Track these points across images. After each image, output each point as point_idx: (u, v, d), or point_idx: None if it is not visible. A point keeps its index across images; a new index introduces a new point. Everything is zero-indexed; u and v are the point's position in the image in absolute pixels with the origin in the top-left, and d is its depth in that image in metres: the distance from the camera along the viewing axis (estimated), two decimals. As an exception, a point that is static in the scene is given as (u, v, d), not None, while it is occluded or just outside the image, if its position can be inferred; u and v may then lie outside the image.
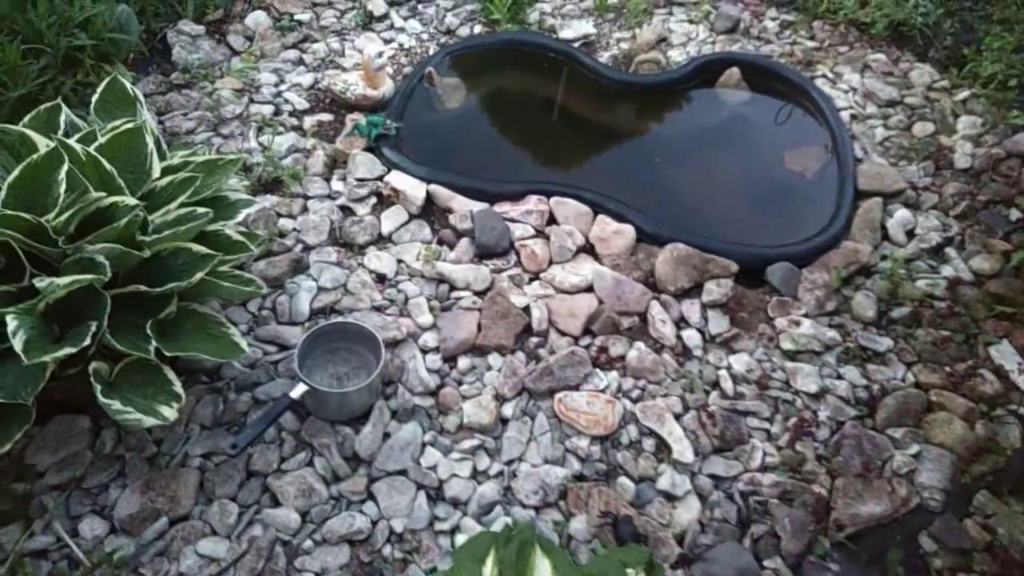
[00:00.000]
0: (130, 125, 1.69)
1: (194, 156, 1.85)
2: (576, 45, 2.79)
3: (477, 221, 2.04)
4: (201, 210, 1.63)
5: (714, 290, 1.94)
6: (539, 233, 2.08)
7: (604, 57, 2.76)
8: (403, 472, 1.57)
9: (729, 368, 1.79)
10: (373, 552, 1.47)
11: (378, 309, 1.88)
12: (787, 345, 1.83)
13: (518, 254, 2.03)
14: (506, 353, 1.80)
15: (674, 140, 2.49)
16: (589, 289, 1.94)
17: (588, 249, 2.06)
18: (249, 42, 2.71)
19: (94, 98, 1.84)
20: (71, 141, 1.59)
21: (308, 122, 2.39)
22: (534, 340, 1.83)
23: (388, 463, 1.57)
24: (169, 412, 1.41)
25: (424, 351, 1.78)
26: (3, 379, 1.34)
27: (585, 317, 1.85)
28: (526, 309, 1.88)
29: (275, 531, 1.48)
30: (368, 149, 2.28)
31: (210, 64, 2.59)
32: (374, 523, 1.50)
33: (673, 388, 1.75)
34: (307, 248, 2.02)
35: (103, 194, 1.52)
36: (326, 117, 2.42)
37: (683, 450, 1.61)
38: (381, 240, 2.07)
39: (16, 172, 1.50)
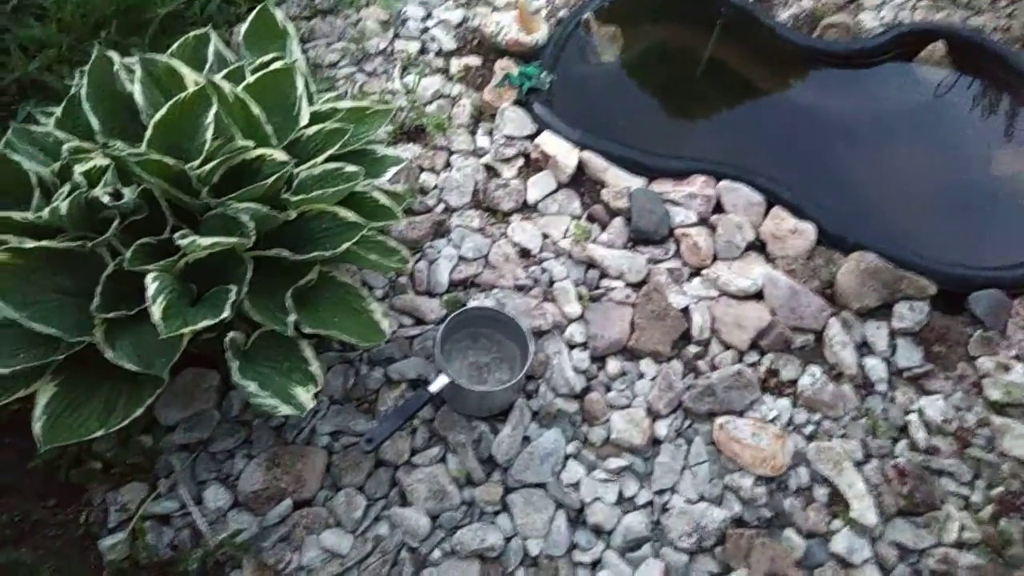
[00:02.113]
0: (280, 65, 1.48)
1: (340, 101, 1.64)
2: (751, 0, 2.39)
3: (635, 201, 1.76)
4: (351, 168, 1.42)
5: (906, 314, 1.61)
6: (702, 221, 1.78)
7: (783, 16, 2.35)
8: (542, 486, 1.38)
9: (921, 413, 1.49)
10: (505, 575, 1.30)
11: (520, 288, 1.65)
12: (994, 394, 1.51)
13: (678, 244, 1.75)
14: (661, 361, 1.55)
15: (861, 124, 2.09)
16: (758, 296, 1.65)
17: (758, 247, 1.76)
18: (397, -32, 2.44)
19: (242, 28, 1.64)
20: (219, 79, 1.40)
21: (455, 65, 2.13)
22: (693, 349, 1.58)
23: (526, 473, 1.38)
24: (305, 397, 1.25)
25: (570, 346, 1.56)
26: (138, 346, 1.20)
27: (755, 331, 1.57)
28: (685, 311, 1.61)
29: (402, 534, 1.32)
30: (517, 103, 2.01)
31: (356, -11, 2.34)
32: (507, 540, 1.33)
33: (853, 429, 1.47)
34: (449, 210, 1.81)
35: (250, 144, 1.33)
36: (474, 61, 2.15)
37: (864, 510, 1.35)
38: (526, 208, 1.83)
39: (163, 111, 1.33)
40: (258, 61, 1.54)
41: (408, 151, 1.90)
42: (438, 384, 1.36)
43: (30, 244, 1.19)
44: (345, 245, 1.33)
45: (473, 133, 1.98)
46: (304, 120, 1.47)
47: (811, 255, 1.74)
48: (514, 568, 1.30)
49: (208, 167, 1.30)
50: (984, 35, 2.25)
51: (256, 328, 1.34)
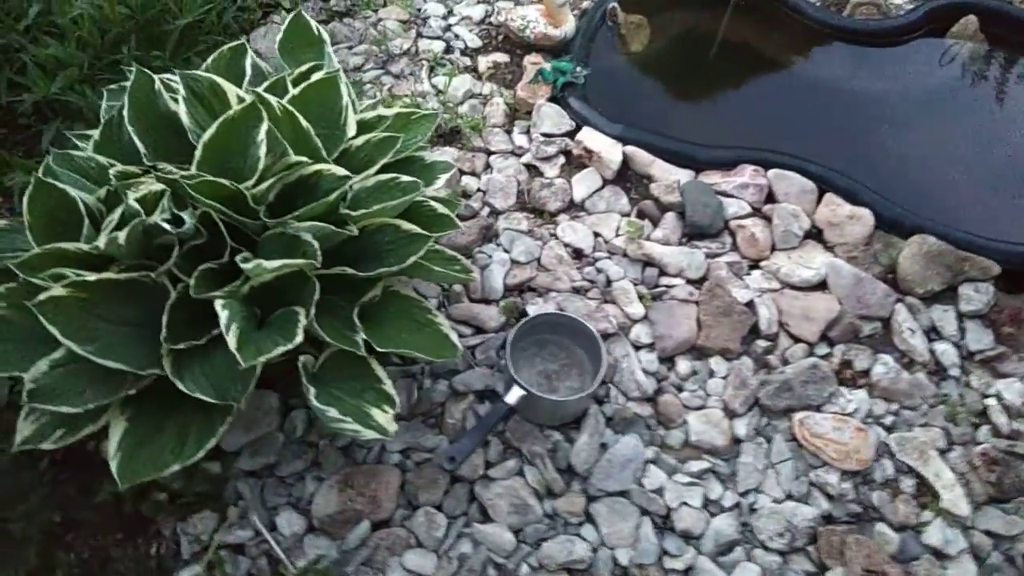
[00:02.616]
0: (324, 74, 1.43)
1: (383, 108, 1.59)
2: (777, -20, 2.35)
3: (687, 194, 1.73)
4: (406, 178, 1.38)
5: (973, 296, 1.59)
6: (756, 211, 1.75)
7: (811, -4, 2.32)
8: (624, 493, 1.35)
9: (999, 397, 1.46)
10: (592, 585, 1.28)
11: (578, 291, 1.62)
12: (1070, 373, 1.49)
13: (734, 236, 1.71)
14: (731, 358, 1.52)
15: (903, 103, 2.06)
16: (822, 285, 1.62)
17: (815, 235, 1.73)
18: (411, -36, 2.38)
19: (278, 38, 1.58)
20: (263, 92, 1.35)
21: (483, 63, 2.09)
22: (762, 344, 1.54)
23: (607, 481, 1.35)
24: (384, 419, 1.21)
25: (636, 347, 1.53)
26: (210, 375, 1.16)
27: (824, 322, 1.54)
28: (750, 305, 1.58)
29: (487, 551, 1.29)
30: (552, 99, 1.97)
31: (372, -11, 2.29)
32: (594, 551, 1.30)
33: (933, 417, 1.45)
34: (495, 212, 1.77)
35: (306, 159, 1.29)
36: (501, 58, 2.11)
37: (955, 499, 1.33)
38: (573, 207, 1.79)
39: (212, 130, 1.27)
40: (297, 71, 1.49)
41: (446, 154, 1.86)
42: (514, 396, 1.32)
43: (93, 277, 1.14)
44: (412, 258, 1.29)
45: (509, 132, 1.94)
46: (351, 130, 1.42)
47: (869, 241, 1.71)
48: (604, 580, 1.27)
49: (264, 186, 1.26)
50: (1013, 4, 2.22)
51: (322, 349, 1.30)
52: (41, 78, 1.73)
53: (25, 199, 1.25)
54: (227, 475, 1.37)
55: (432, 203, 1.43)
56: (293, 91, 1.41)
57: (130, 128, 1.32)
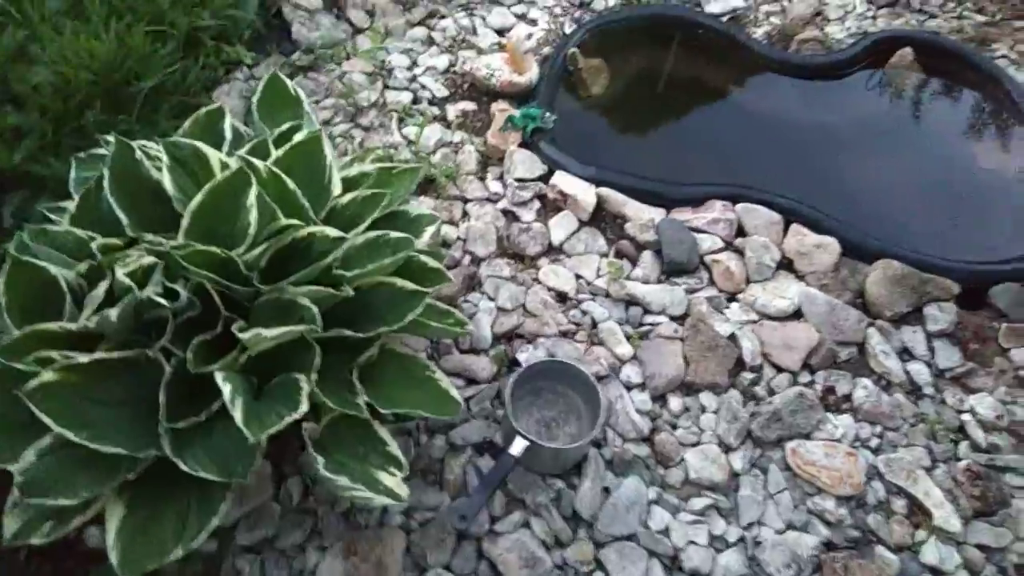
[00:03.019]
0: (306, 134, 1.43)
1: (364, 164, 1.60)
2: (724, 19, 2.46)
3: (663, 233, 1.78)
4: (395, 234, 1.38)
5: (938, 316, 1.67)
6: (728, 245, 1.81)
7: (757, 33, 2.43)
8: (632, 537, 1.35)
9: (974, 412, 1.54)
10: (611, 633, 1.27)
11: (566, 335, 1.64)
12: (1035, 384, 1.58)
13: (710, 271, 1.77)
14: (720, 392, 1.56)
15: (852, 133, 2.17)
16: (797, 314, 1.68)
17: (786, 265, 1.80)
18: (371, 18, 2.41)
19: (254, 99, 1.58)
20: (248, 156, 1.34)
21: (451, 111, 2.11)
22: (748, 376, 1.59)
23: (613, 526, 1.36)
24: (392, 482, 1.19)
25: (628, 387, 1.55)
26: (211, 452, 1.12)
27: (805, 350, 1.60)
28: (732, 338, 1.63)
29: (502, 610, 1.28)
30: (524, 144, 2.00)
31: (333, 43, 2.30)
32: (608, 598, 1.30)
33: (914, 436, 1.51)
34: (476, 260, 1.78)
35: (298, 222, 1.28)
36: (469, 106, 2.14)
37: (947, 516, 1.38)
38: (552, 250, 1.82)
39: (199, 197, 1.26)
40: (277, 132, 1.49)
41: (424, 204, 1.87)
42: (518, 447, 1.32)
43: (85, 358, 1.10)
44: (410, 316, 1.28)
45: (483, 179, 1.96)
46: (337, 189, 1.42)
47: (837, 267, 1.78)
48: (621, 628, 1.27)
49: (257, 251, 1.24)
50: (949, 39, 2.38)
51: (319, 413, 1.28)
52: (2, 149, 1.68)
53: (2, 282, 1.20)
54: (224, 553, 1.32)
55: (422, 257, 1.44)
56: (277, 153, 1.40)
57: (111, 199, 1.28)
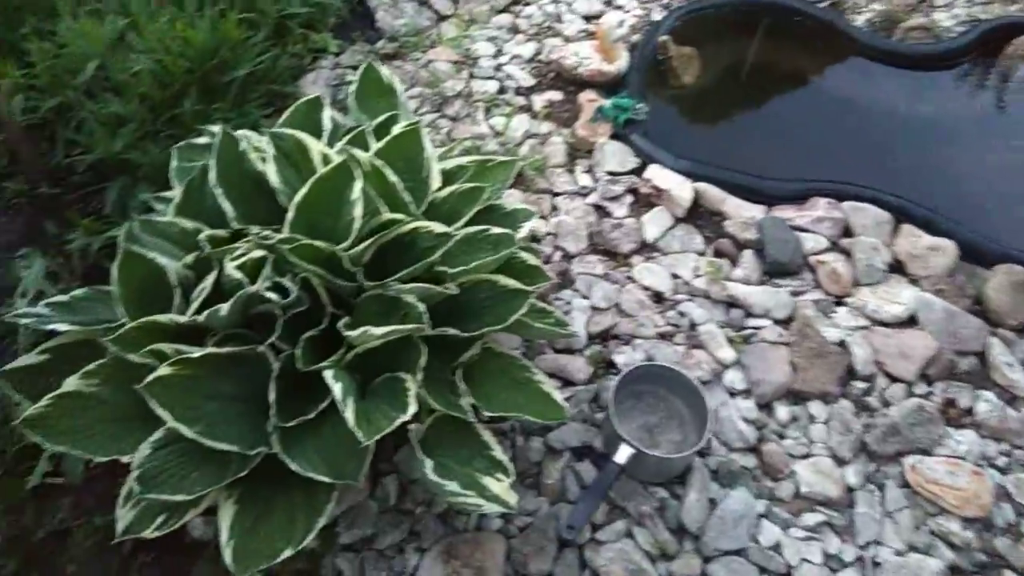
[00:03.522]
0: (405, 126, 1.39)
1: (461, 157, 1.55)
2: (823, 6, 2.33)
3: (767, 231, 1.68)
4: (496, 230, 1.33)
5: (1069, 327, 1.55)
6: (834, 246, 1.70)
7: (859, 21, 2.29)
8: (741, 552, 1.29)
9: (1112, 432, 1.41)
10: (722, 654, 1.21)
11: (664, 337, 1.57)
12: None
13: (814, 273, 1.67)
14: (830, 401, 1.47)
15: (961, 127, 2.03)
16: (911, 321, 1.58)
17: (896, 268, 1.69)
18: (454, 4, 2.36)
19: (351, 89, 1.54)
20: (351, 149, 1.31)
21: (537, 102, 2.05)
22: (859, 385, 1.49)
23: (721, 540, 1.29)
24: (499, 488, 1.15)
25: (731, 394, 1.47)
26: (322, 452, 1.10)
27: (922, 360, 1.49)
28: (841, 344, 1.53)
29: (607, 622, 1.23)
30: (615, 136, 1.93)
31: (417, 31, 2.26)
32: (716, 616, 1.24)
33: (1047, 456, 1.40)
34: (568, 256, 1.72)
35: (402, 216, 1.24)
36: (555, 96, 2.07)
37: (1087, 545, 1.28)
38: (646, 248, 1.74)
39: (304, 189, 1.23)
40: (375, 123, 1.45)
41: (511, 197, 1.82)
42: (623, 455, 1.26)
43: (198, 353, 1.09)
44: (514, 316, 1.23)
45: (571, 172, 1.90)
46: (435, 183, 1.38)
47: (953, 272, 1.66)
48: (732, 647, 1.21)
49: (362, 247, 1.21)
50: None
51: (423, 414, 1.24)
52: (103, 136, 1.69)
53: (114, 269, 1.20)
54: (325, 550, 1.30)
55: (521, 254, 1.39)
56: (377, 144, 1.37)
57: (218, 190, 1.27)
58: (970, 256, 1.68)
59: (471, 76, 2.12)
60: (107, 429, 1.17)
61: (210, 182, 1.30)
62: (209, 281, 1.19)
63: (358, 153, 1.29)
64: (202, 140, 1.53)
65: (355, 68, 2.15)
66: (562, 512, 1.33)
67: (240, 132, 1.36)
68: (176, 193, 1.41)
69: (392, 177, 1.30)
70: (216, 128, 1.43)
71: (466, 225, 1.34)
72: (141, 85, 1.71)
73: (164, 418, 1.04)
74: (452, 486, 1.11)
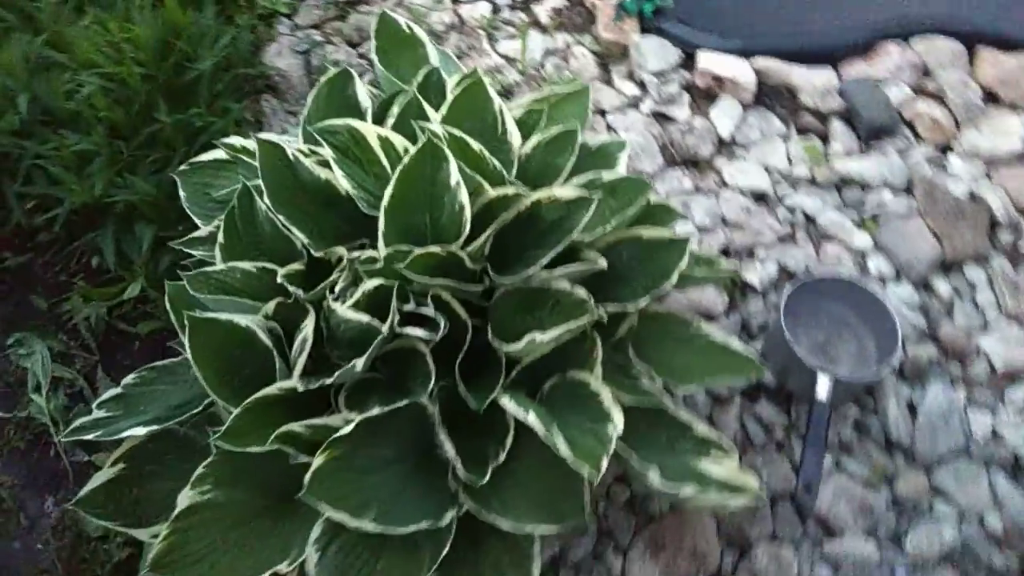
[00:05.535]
0: (464, 80, 1.10)
1: (523, 97, 1.27)
2: None
3: (853, 95, 1.46)
4: (609, 175, 1.08)
5: None
6: (919, 92, 1.50)
7: None
8: (961, 452, 1.14)
9: None
10: (979, 565, 1.08)
11: (784, 240, 1.36)
12: None
13: (912, 127, 1.47)
14: (984, 262, 1.31)
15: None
16: (1031, 151, 1.41)
17: (990, 98, 1.50)
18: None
19: (371, 47, 1.22)
20: (426, 125, 1.02)
21: (541, 13, 1.73)
22: (1005, 236, 1.33)
23: (937, 444, 1.13)
24: (726, 471, 0.95)
25: (883, 281, 1.29)
26: (532, 496, 0.87)
27: (1064, 190, 1.34)
28: (972, 197, 1.36)
29: (852, 572, 1.07)
30: (645, 31, 1.65)
31: (373, -35, 1.88)
32: (958, 527, 1.10)
33: None
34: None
35: (523, 190, 0.97)
36: (558, 1, 1.76)
37: None
38: (725, 147, 1.51)
39: (390, 189, 0.94)
40: (415, 84, 1.15)
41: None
42: (824, 388, 1.08)
43: (349, 427, 0.83)
44: (677, 270, 1.00)
45: (610, 83, 1.62)
46: (516, 139, 1.10)
47: (1049, 87, 1.49)
48: (986, 556, 1.07)
49: (482, 238, 0.95)
50: None
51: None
52: (74, 181, 1.33)
53: (187, 344, 0.91)
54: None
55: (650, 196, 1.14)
56: (440, 111, 1.07)
57: (278, 216, 0.97)
58: (1058, 65, 1.51)
59: (455, 1, 1.78)
60: (240, 539, 0.92)
61: (262, 206, 1.00)
62: (308, 330, 0.92)
63: (433, 126, 1.00)
64: (207, 157, 1.21)
65: (318, 27, 1.79)
66: (756, 463, 1.16)
67: (266, 136, 1.05)
68: (206, 231, 1.11)
69: (475, 145, 1.02)
70: (234, 140, 1.13)
71: (568, 178, 1.09)
72: (97, 109, 1.34)
73: (342, 521, 0.80)
74: (688, 490, 0.91)
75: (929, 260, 1.29)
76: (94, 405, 1.04)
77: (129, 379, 1.07)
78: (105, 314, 1.41)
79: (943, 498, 1.12)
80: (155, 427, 0.98)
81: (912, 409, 1.17)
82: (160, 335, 1.40)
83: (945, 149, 1.45)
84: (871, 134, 1.45)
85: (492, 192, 0.97)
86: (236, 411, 0.87)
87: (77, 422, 1.02)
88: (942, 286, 1.28)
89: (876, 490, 1.12)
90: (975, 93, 1.48)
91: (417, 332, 0.86)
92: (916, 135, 1.46)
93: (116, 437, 0.98)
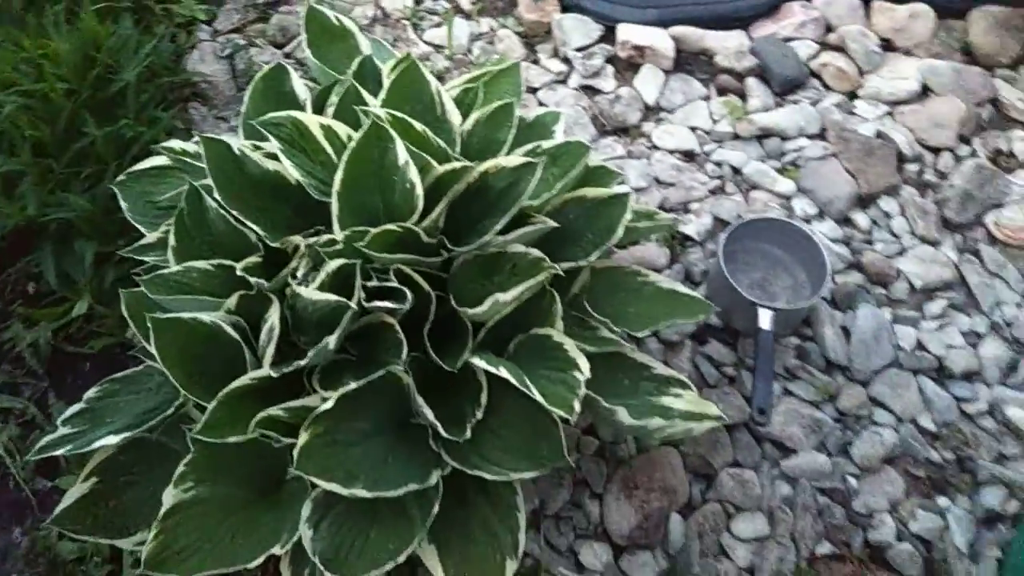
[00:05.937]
0: (398, 64, 1.12)
1: (458, 77, 1.30)
2: None
3: (764, 53, 1.55)
4: (548, 143, 1.13)
5: (1056, 45, 1.55)
6: (824, 46, 1.61)
7: None
8: (892, 364, 1.24)
9: None
10: (917, 462, 1.18)
11: (714, 193, 1.44)
12: None
13: (819, 78, 1.57)
14: (895, 193, 1.41)
15: None
16: (926, 91, 1.53)
17: (886, 46, 1.62)
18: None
19: (303, 41, 1.23)
20: (365, 108, 1.04)
21: (463, 0, 1.77)
22: (912, 168, 1.44)
23: (871, 360, 1.23)
24: (687, 402, 1.01)
25: (807, 220, 1.39)
26: (511, 446, 0.91)
27: (956, 123, 1.45)
28: (880, 136, 1.47)
29: (809, 484, 1.16)
30: (565, 8, 1.70)
31: (288, -35, 1.87)
32: (897, 431, 1.20)
33: (1095, 170, 1.42)
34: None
35: (468, 162, 1.01)
36: (477, -13, 1.80)
37: None
38: (651, 112, 1.58)
39: (340, 173, 0.97)
40: (349, 73, 1.16)
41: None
42: (766, 319, 1.16)
43: (329, 403, 0.85)
44: (621, 225, 1.06)
45: (536, 62, 1.67)
46: (455, 117, 1.13)
47: (935, 33, 1.62)
48: (921, 452, 1.18)
49: (435, 213, 0.98)
50: None
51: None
52: (4, 204, 1.29)
53: (154, 346, 0.91)
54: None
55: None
56: (379, 96, 1.10)
57: (231, 212, 0.98)
58: (941, 13, 1.64)
59: (375, -7, 1.79)
60: (231, 529, 0.93)
61: (212, 205, 1.01)
62: (274, 319, 0.93)
63: (375, 109, 1.03)
64: (144, 165, 1.20)
65: (239, 31, 1.77)
66: (711, 398, 1.23)
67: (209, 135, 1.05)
68: (153, 236, 1.11)
69: (419, 126, 1.05)
70: (173, 143, 1.12)
71: (511, 151, 1.13)
72: (21, 128, 1.30)
73: (337, 491, 0.82)
74: (655, 422, 0.96)
75: (847, 197, 1.39)
76: (58, 422, 1.03)
77: (91, 392, 1.06)
78: (50, 337, 1.37)
79: (881, 407, 1.22)
80: (128, 434, 0.97)
81: (846, 332, 1.27)
82: (111, 351, 1.37)
83: (852, 95, 1.56)
84: (784, 88, 1.55)
85: (440, 168, 1.00)
86: (212, 404, 0.88)
87: (43, 440, 1.00)
88: (861, 219, 1.39)
89: (822, 408, 1.21)
90: (873, 42, 1.59)
91: (384, 304, 0.88)
92: (825, 85, 1.57)
93: (88, 449, 0.97)
